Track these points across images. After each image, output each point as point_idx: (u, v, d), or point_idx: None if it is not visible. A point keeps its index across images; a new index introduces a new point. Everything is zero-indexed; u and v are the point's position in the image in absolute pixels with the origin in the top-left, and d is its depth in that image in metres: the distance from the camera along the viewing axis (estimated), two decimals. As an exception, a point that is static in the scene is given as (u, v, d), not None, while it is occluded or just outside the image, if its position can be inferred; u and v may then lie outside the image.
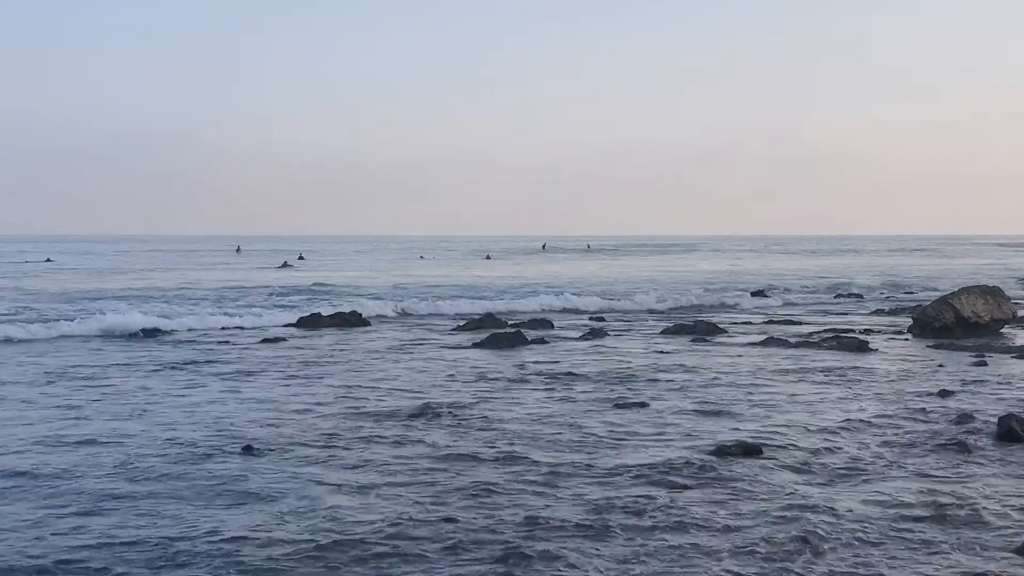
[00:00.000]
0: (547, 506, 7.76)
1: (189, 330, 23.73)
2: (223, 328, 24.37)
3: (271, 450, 9.78)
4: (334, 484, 8.45)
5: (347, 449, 9.83)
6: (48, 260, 72.23)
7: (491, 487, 8.30)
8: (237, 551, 6.72)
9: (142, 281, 45.88)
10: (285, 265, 63.21)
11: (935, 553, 6.72)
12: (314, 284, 42.26)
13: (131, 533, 7.14)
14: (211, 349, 19.57)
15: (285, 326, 24.62)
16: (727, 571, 6.35)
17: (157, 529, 7.23)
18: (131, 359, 17.79)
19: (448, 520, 7.36)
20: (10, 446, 10.07)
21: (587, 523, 7.30)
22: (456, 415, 11.68)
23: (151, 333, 22.40)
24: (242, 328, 24.48)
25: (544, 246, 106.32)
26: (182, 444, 10.08)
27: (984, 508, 7.73)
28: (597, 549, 6.76)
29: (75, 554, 6.71)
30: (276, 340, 21.02)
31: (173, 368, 16.44)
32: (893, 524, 7.34)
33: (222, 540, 6.94)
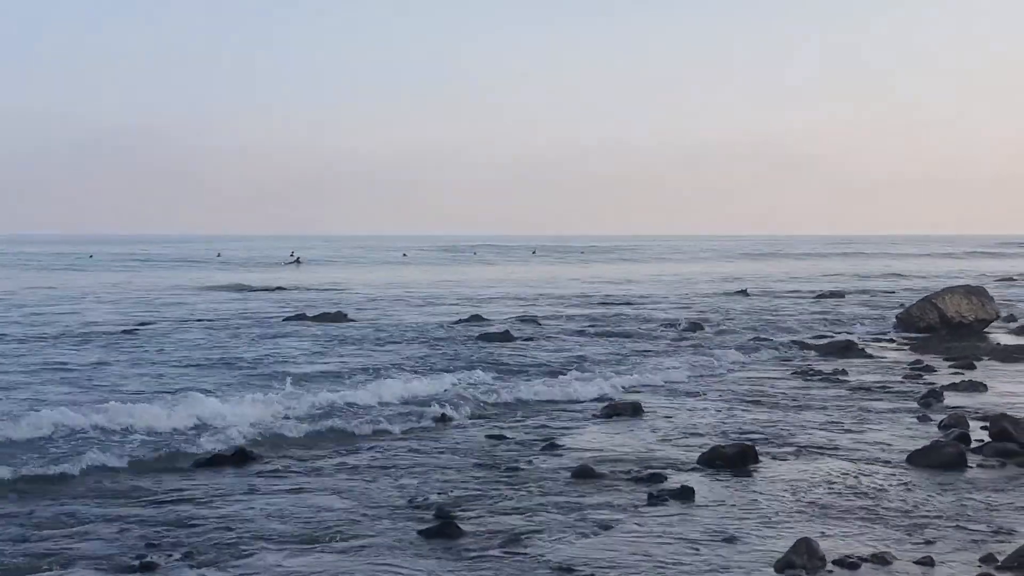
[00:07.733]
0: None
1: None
2: None
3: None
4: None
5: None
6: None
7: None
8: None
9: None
10: (297, 262, 62.97)
11: (938, 562, 6.74)
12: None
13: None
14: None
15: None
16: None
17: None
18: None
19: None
20: None
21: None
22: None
23: None
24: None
25: (534, 251, 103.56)
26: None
27: (974, 508, 7.82)
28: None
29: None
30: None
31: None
32: (890, 528, 7.38)
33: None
